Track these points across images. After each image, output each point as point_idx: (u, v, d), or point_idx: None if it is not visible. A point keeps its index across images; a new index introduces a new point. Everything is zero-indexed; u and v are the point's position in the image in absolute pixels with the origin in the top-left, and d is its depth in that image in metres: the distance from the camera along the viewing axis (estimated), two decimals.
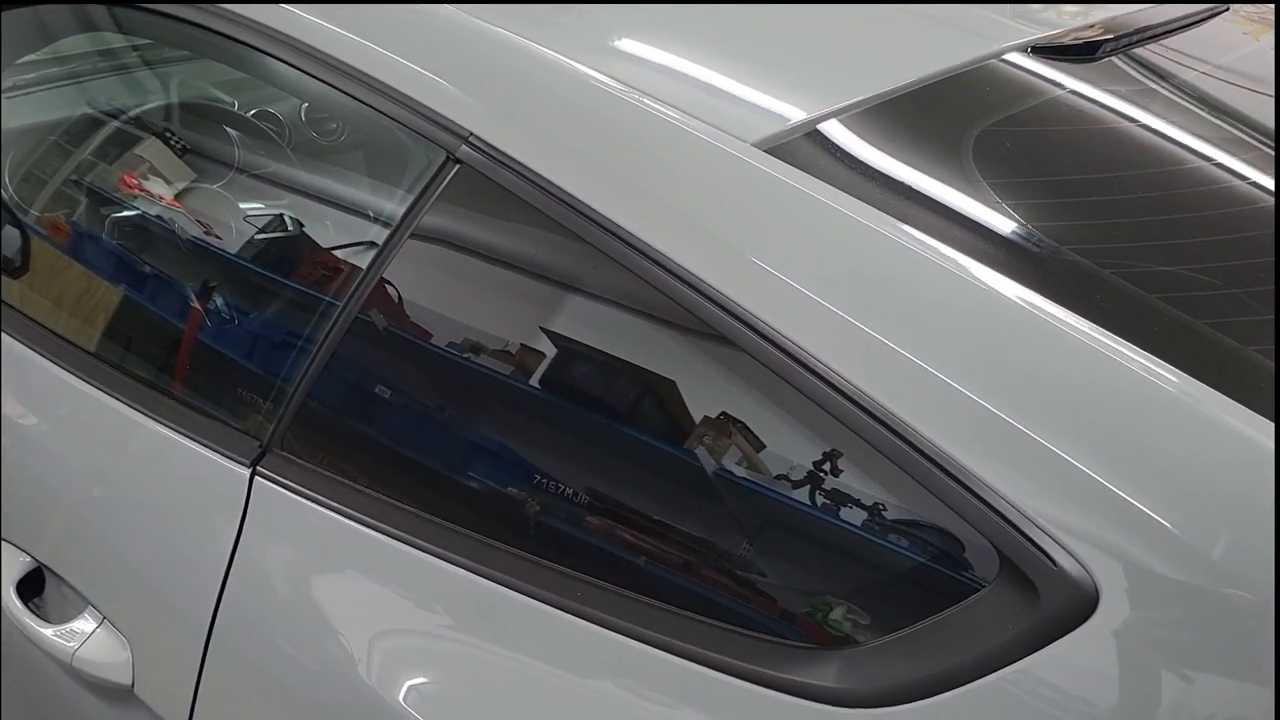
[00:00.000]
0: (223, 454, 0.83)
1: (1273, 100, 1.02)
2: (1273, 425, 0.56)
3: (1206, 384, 0.58)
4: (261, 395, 0.86)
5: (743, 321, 0.64)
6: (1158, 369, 0.58)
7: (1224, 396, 0.57)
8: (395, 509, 0.76)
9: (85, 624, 0.89)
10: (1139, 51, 1.00)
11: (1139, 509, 0.55)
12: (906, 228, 0.66)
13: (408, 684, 0.72)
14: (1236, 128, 0.95)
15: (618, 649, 0.65)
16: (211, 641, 0.80)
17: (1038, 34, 0.95)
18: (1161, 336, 0.62)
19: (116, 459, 0.90)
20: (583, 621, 0.66)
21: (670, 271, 0.67)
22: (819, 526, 0.64)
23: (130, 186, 1.14)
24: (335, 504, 0.77)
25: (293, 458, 0.81)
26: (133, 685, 0.85)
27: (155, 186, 1.14)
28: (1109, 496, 0.55)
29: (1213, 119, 0.96)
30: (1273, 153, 0.88)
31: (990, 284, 0.62)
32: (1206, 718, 0.54)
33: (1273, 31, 1.25)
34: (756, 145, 0.71)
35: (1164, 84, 0.98)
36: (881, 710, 0.58)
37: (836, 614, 0.63)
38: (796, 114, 0.76)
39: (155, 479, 0.87)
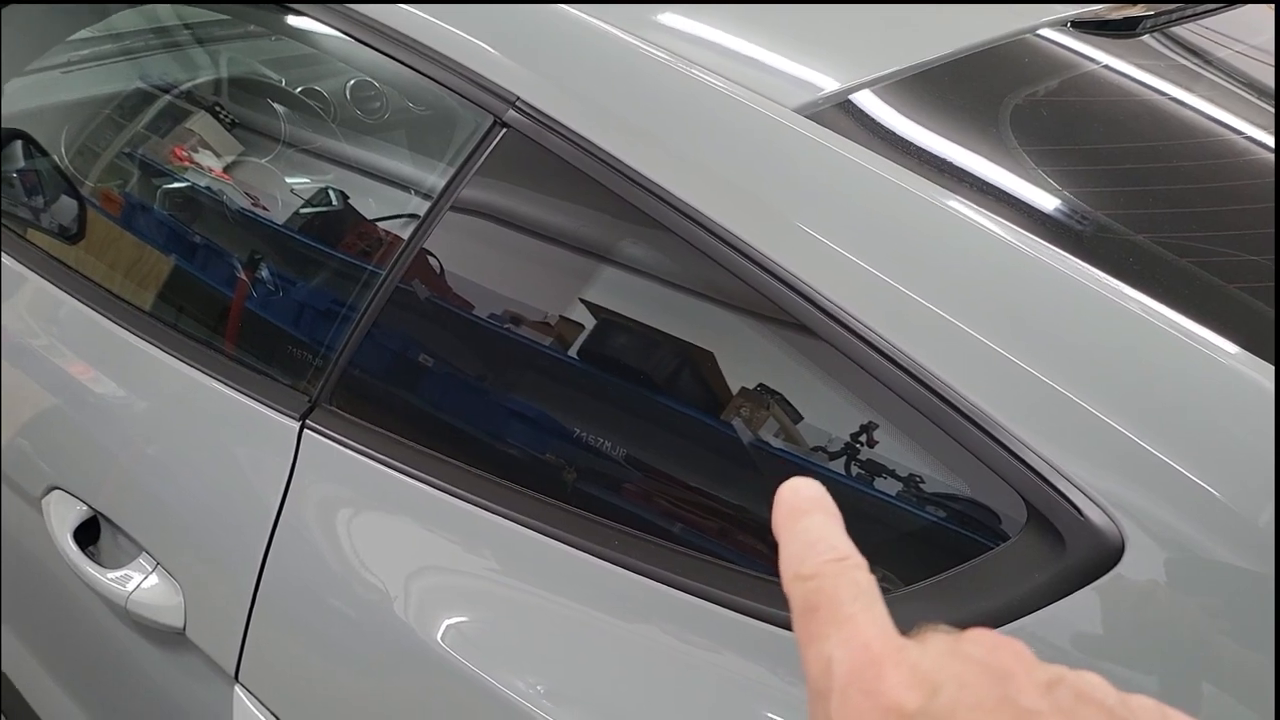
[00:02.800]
0: (274, 408, 0.86)
1: None
2: None
3: (1243, 347, 0.59)
4: (310, 354, 0.89)
5: (783, 282, 0.66)
6: (1194, 331, 0.60)
7: (1258, 359, 0.58)
8: (434, 459, 0.79)
9: (139, 570, 0.93)
10: (1177, 30, 1.01)
11: (1171, 467, 0.56)
12: (942, 190, 0.67)
13: (446, 624, 0.74)
14: (1267, 104, 0.95)
15: (657, 595, 0.67)
16: (261, 587, 0.83)
17: (1077, 9, 0.96)
18: (1196, 299, 0.63)
19: (172, 413, 0.94)
20: (623, 571, 0.69)
21: (713, 233, 0.69)
22: (857, 482, 0.66)
23: (180, 159, 1.18)
24: (378, 454, 0.80)
25: (339, 412, 0.84)
26: (184, 628, 0.89)
27: (205, 159, 1.17)
28: (1139, 453, 0.57)
29: (1246, 96, 0.96)
30: None
31: (1022, 245, 0.64)
32: (1220, 676, 0.55)
33: None
34: (797, 111, 0.73)
35: (1200, 61, 0.99)
36: None
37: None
38: (833, 83, 0.77)
39: (209, 432, 0.90)
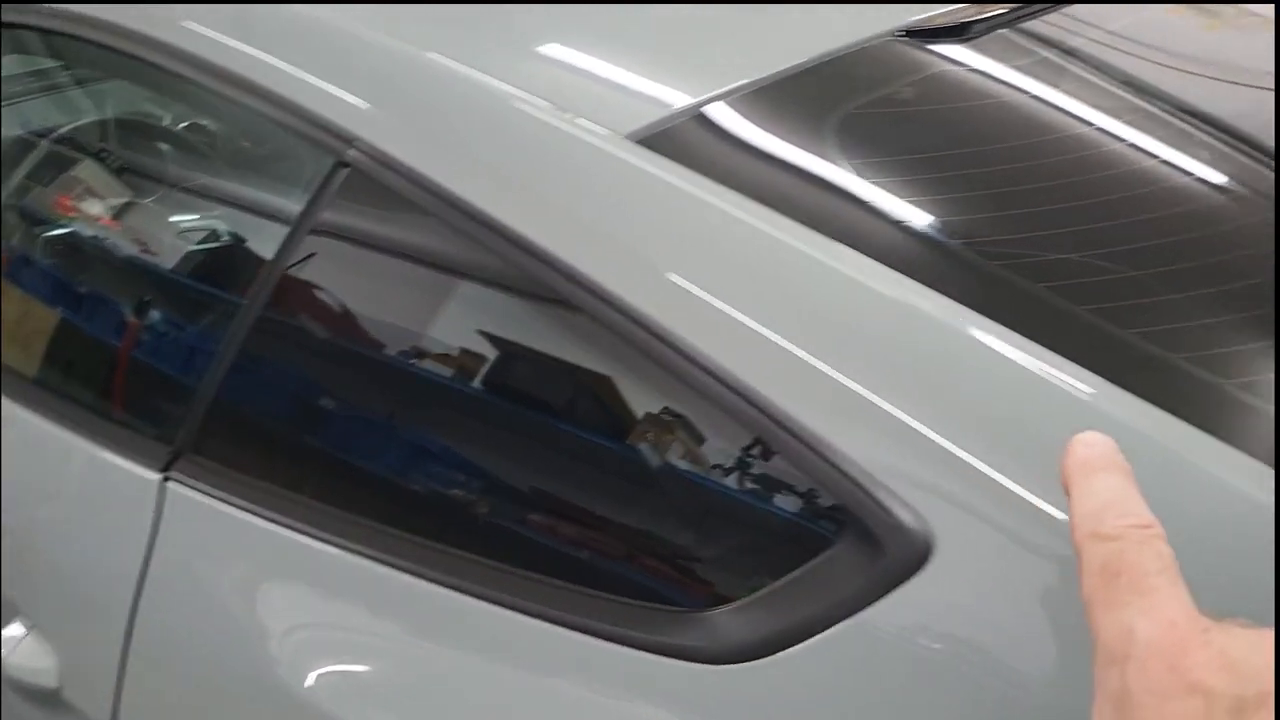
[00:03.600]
0: (135, 460, 0.86)
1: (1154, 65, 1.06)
2: (1106, 383, 0.59)
3: (1058, 352, 0.61)
4: (170, 401, 0.89)
5: (607, 301, 0.67)
6: (1000, 336, 0.62)
7: (1069, 360, 0.60)
8: (301, 505, 0.79)
9: (16, 630, 0.92)
10: (1025, 27, 1.03)
11: (975, 466, 0.58)
12: (769, 210, 0.69)
13: (318, 674, 0.75)
14: (1127, 97, 0.98)
15: (493, 620, 0.68)
16: (131, 646, 0.83)
17: (922, 15, 0.99)
18: (1009, 304, 0.66)
19: (33, 469, 0.93)
20: (454, 593, 0.70)
21: (543, 259, 0.70)
22: (683, 496, 0.68)
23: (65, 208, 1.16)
24: (245, 503, 0.80)
25: (203, 461, 0.84)
26: (60, 688, 0.88)
27: (89, 206, 1.16)
28: (945, 454, 0.59)
29: (1106, 86, 0.99)
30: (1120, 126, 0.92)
31: (832, 258, 0.66)
32: (1029, 667, 0.57)
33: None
34: (629, 137, 0.74)
35: (1059, 53, 1.01)
36: (742, 665, 0.61)
37: (703, 577, 0.66)
38: (669, 104, 0.79)
39: (70, 488, 0.90)
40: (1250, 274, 0.74)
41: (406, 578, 0.72)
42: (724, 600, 0.64)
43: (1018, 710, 0.57)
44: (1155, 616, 0.30)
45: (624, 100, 0.81)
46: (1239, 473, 0.57)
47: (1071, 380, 0.60)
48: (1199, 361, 0.64)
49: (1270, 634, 0.29)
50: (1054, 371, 0.60)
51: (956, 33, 0.94)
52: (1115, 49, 1.12)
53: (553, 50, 0.89)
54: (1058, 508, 0.57)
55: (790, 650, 0.60)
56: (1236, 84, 1.12)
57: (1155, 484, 0.55)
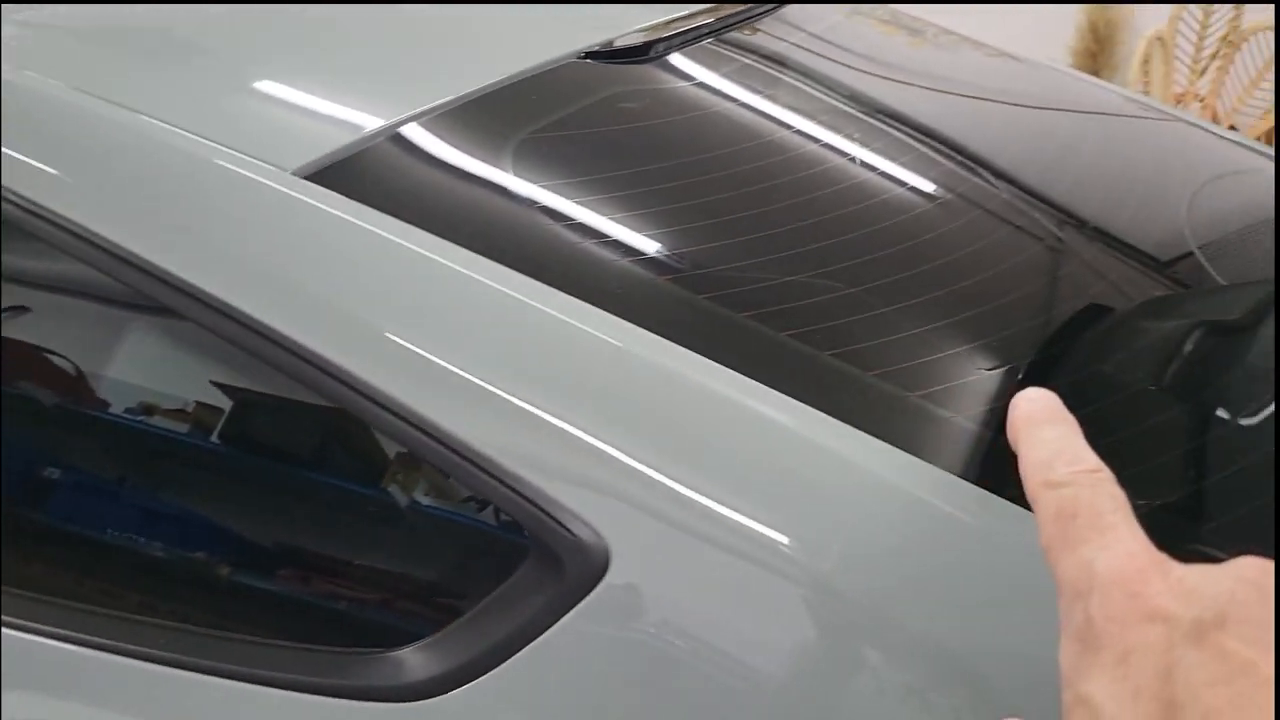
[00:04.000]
0: None
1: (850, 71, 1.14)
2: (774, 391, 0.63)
3: (726, 365, 0.64)
4: None
5: (271, 338, 0.65)
6: (667, 345, 0.64)
7: (732, 370, 0.64)
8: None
9: None
10: (706, 47, 1.09)
11: (650, 475, 0.60)
12: (438, 239, 0.69)
13: None
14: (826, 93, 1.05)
15: (170, 683, 0.65)
16: None
17: (608, 36, 1.02)
18: (678, 320, 0.69)
19: None
20: (123, 659, 0.66)
21: (193, 296, 0.67)
22: (366, 536, 0.67)
23: None
24: None
25: None
26: None
27: None
28: (617, 464, 0.61)
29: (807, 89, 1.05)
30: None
31: (497, 280, 0.66)
32: (712, 672, 0.59)
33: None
34: (297, 173, 0.72)
35: (770, 63, 1.07)
36: (433, 700, 0.61)
37: (392, 616, 0.65)
38: (342, 136, 0.77)
39: None
40: (938, 279, 0.80)
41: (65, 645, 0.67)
42: (416, 637, 0.64)
43: (726, 693, 0.59)
44: (1114, 550, 0.31)
45: (298, 133, 0.79)
46: (896, 469, 0.61)
47: (727, 385, 0.63)
48: (848, 358, 0.70)
49: (1242, 559, 0.30)
50: (718, 380, 0.63)
51: (638, 53, 0.98)
52: (814, 53, 1.20)
53: (225, 83, 0.85)
54: (726, 506, 0.60)
55: (480, 680, 0.60)
56: (941, 92, 1.22)
57: (807, 483, 0.61)
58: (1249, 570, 0.29)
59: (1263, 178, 1.27)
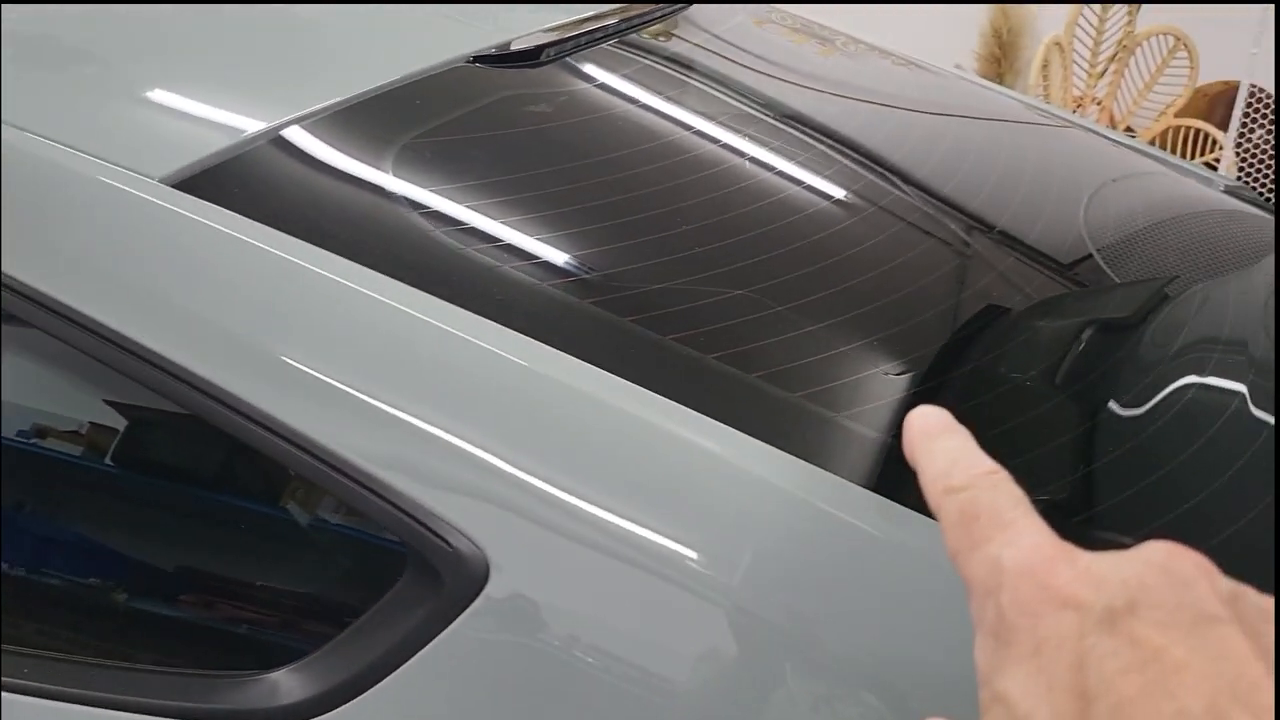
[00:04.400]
0: None
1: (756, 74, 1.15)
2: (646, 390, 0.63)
3: (615, 373, 0.63)
4: None
5: (134, 352, 0.63)
6: (555, 358, 0.63)
7: (622, 379, 0.63)
8: None
9: None
10: (602, 50, 1.08)
11: (528, 483, 0.60)
12: (311, 246, 0.67)
13: None
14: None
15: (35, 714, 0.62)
16: None
17: (505, 38, 1.00)
18: (563, 326, 0.68)
19: None
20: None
21: (78, 323, 0.65)
22: (244, 551, 0.65)
23: None
24: None
25: None
26: None
27: None
28: (498, 474, 0.60)
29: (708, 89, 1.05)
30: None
31: (371, 289, 0.65)
32: (607, 680, 0.59)
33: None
34: (164, 181, 0.70)
35: (676, 66, 1.07)
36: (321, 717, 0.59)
37: (271, 637, 0.63)
38: (217, 140, 0.75)
39: None
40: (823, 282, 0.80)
41: None
42: (294, 657, 0.62)
43: (623, 702, 0.59)
44: (1020, 543, 0.31)
45: (169, 139, 0.76)
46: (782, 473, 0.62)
47: (615, 393, 0.63)
48: (737, 361, 0.70)
49: (1150, 544, 0.30)
50: (606, 388, 0.63)
51: (529, 57, 0.97)
52: (715, 56, 1.20)
53: (92, 86, 0.82)
54: (612, 512, 0.59)
55: (359, 699, 0.59)
56: (841, 97, 1.24)
57: (697, 490, 0.60)
58: (1157, 554, 0.29)
59: (1154, 180, 1.32)
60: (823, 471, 0.61)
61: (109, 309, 0.65)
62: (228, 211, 0.68)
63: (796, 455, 0.61)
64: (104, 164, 0.69)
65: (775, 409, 0.67)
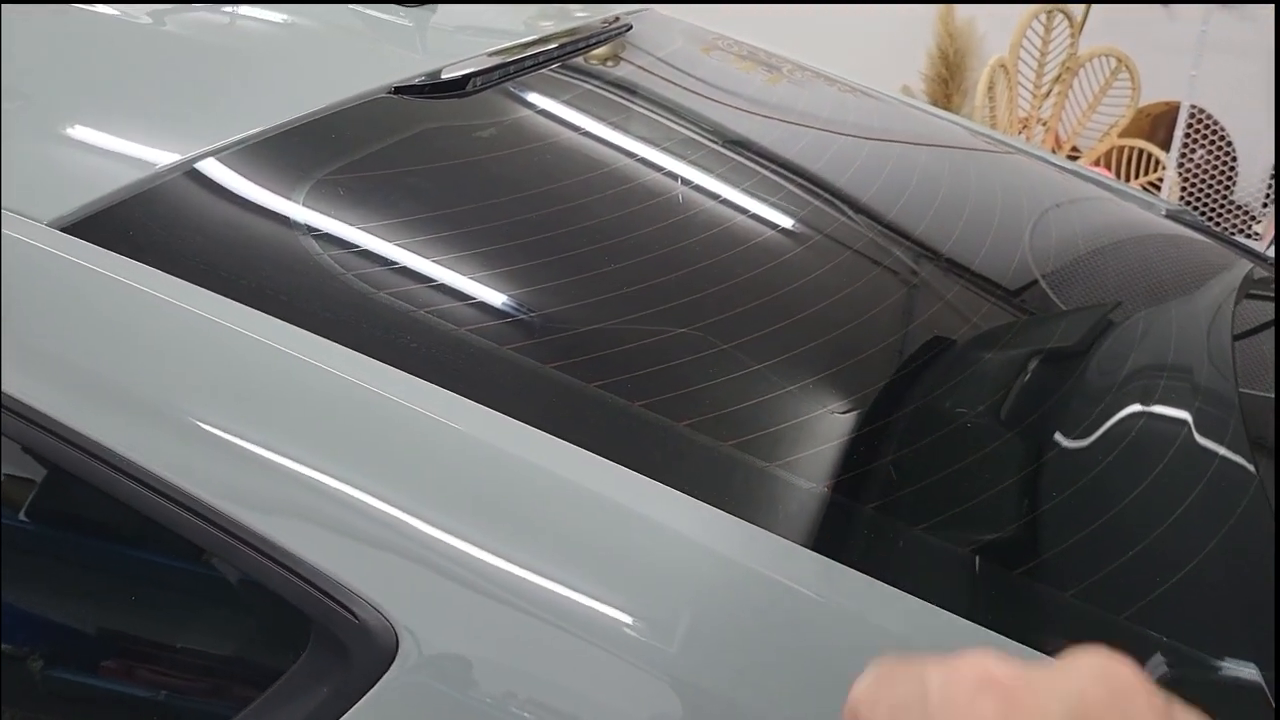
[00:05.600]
0: None
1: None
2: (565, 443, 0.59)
3: (537, 426, 0.60)
4: None
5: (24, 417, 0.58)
6: (472, 410, 0.60)
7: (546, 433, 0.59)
8: None
9: None
10: (529, 79, 1.05)
11: (442, 543, 0.56)
12: (214, 297, 0.63)
13: None
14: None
15: None
16: None
17: (430, 67, 0.97)
18: (477, 375, 0.64)
19: None
20: None
21: None
22: (143, 624, 0.60)
23: None
24: None
25: None
26: None
27: None
28: (413, 535, 0.56)
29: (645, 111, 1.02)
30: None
31: (279, 341, 0.61)
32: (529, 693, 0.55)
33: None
34: (52, 225, 0.65)
35: (614, 89, 1.04)
36: None
37: (174, 715, 0.59)
38: (109, 183, 0.70)
39: None
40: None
41: None
42: None
43: None
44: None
45: (60, 179, 0.71)
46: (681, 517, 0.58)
47: (534, 448, 0.59)
48: (662, 409, 0.66)
49: (1068, 665, 0.30)
50: (527, 444, 0.59)
51: (453, 87, 0.93)
52: (667, 82, 1.18)
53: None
54: (536, 573, 0.55)
55: None
56: (784, 122, 1.22)
57: (619, 552, 0.57)
58: (1094, 667, 0.29)
59: (1095, 205, 1.31)
60: (757, 528, 0.58)
61: None
62: (120, 257, 0.64)
63: (732, 513, 0.58)
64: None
65: (709, 461, 0.64)
